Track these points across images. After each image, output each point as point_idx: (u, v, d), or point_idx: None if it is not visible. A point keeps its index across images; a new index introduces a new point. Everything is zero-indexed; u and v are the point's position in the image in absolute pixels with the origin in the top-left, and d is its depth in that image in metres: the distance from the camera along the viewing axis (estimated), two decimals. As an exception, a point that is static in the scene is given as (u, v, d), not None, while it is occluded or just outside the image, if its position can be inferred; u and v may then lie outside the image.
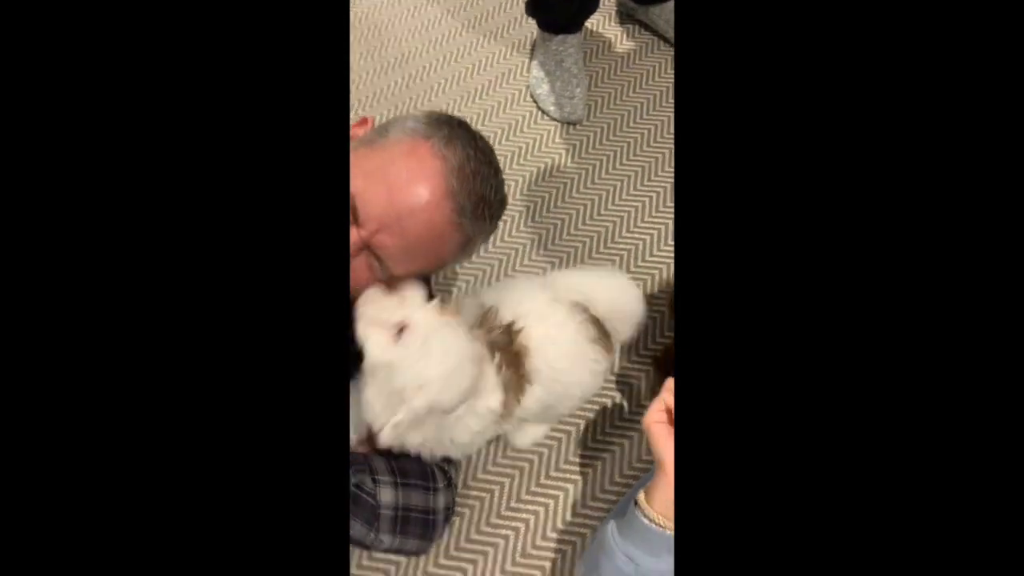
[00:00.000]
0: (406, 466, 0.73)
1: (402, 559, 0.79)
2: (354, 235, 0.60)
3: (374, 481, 0.71)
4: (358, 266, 0.62)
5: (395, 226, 0.59)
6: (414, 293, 0.65)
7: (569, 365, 0.74)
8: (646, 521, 0.58)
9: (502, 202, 0.69)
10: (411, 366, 0.61)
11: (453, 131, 0.63)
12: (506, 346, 0.70)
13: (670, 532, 0.58)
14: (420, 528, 0.73)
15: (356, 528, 0.68)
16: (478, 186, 0.63)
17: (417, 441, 0.68)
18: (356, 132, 0.69)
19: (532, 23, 1.20)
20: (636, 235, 1.01)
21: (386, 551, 0.74)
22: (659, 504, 0.58)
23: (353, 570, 0.79)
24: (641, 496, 0.60)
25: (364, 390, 0.64)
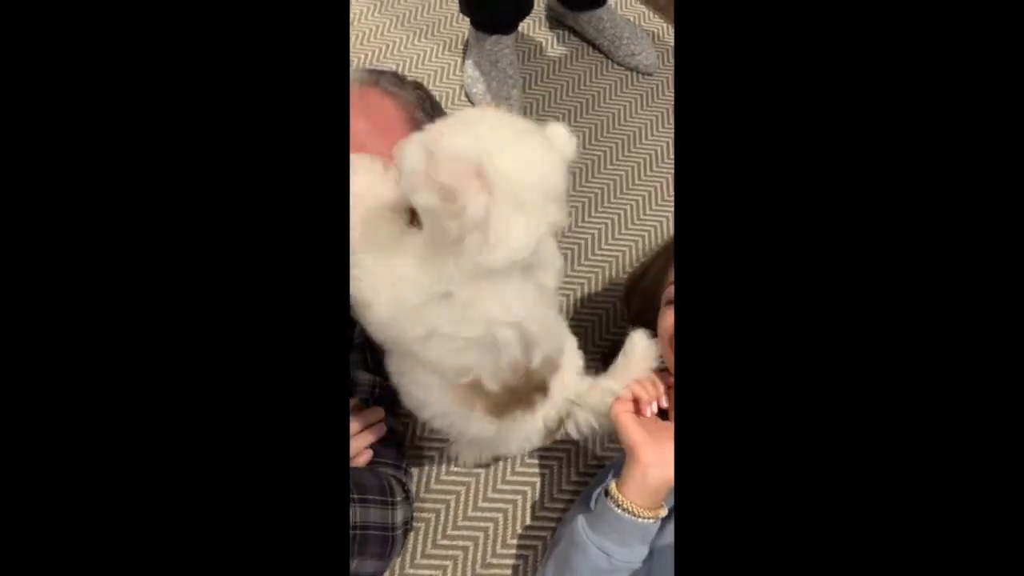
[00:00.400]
0: (363, 481, 0.68)
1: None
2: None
3: None
4: None
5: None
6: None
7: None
8: (619, 511, 0.57)
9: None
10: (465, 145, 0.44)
11: (392, 76, 0.70)
12: None
13: (642, 520, 0.57)
14: (378, 547, 0.68)
15: None
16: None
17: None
18: None
19: (462, 22, 1.19)
20: (581, 232, 1.02)
21: None
22: (632, 492, 0.58)
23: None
24: (612, 486, 0.59)
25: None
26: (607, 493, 0.59)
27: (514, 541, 0.78)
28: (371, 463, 0.71)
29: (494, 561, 0.76)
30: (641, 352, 0.64)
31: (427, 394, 0.58)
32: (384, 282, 0.51)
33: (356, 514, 0.66)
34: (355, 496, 0.67)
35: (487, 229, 0.44)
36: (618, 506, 0.58)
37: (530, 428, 0.63)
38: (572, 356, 0.66)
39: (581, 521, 0.62)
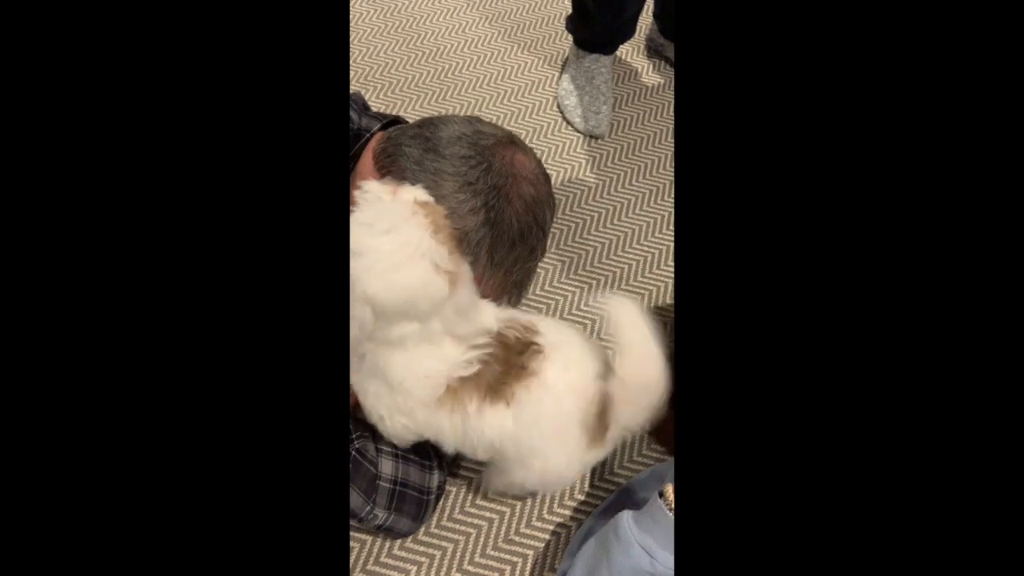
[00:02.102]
0: None
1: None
2: None
3: (377, 449, 0.69)
4: None
5: None
6: (411, 190, 0.60)
7: (548, 427, 0.62)
8: (671, 515, 0.56)
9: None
10: (356, 245, 0.54)
11: (476, 171, 0.68)
12: (515, 348, 0.62)
13: None
14: (414, 507, 0.71)
15: (353, 498, 0.66)
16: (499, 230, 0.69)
17: (362, 348, 0.59)
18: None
19: (566, 40, 1.26)
20: (640, 250, 1.04)
21: (376, 529, 0.71)
22: None
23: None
24: (668, 488, 0.58)
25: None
26: (661, 495, 0.58)
27: (537, 523, 0.79)
28: None
29: (516, 539, 0.78)
30: (627, 318, 0.63)
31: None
32: None
33: (398, 469, 0.70)
34: (398, 452, 0.70)
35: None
36: (672, 510, 0.56)
37: (552, 407, 0.62)
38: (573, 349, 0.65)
39: (628, 517, 0.61)
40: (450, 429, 0.63)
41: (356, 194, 0.57)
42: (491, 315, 0.63)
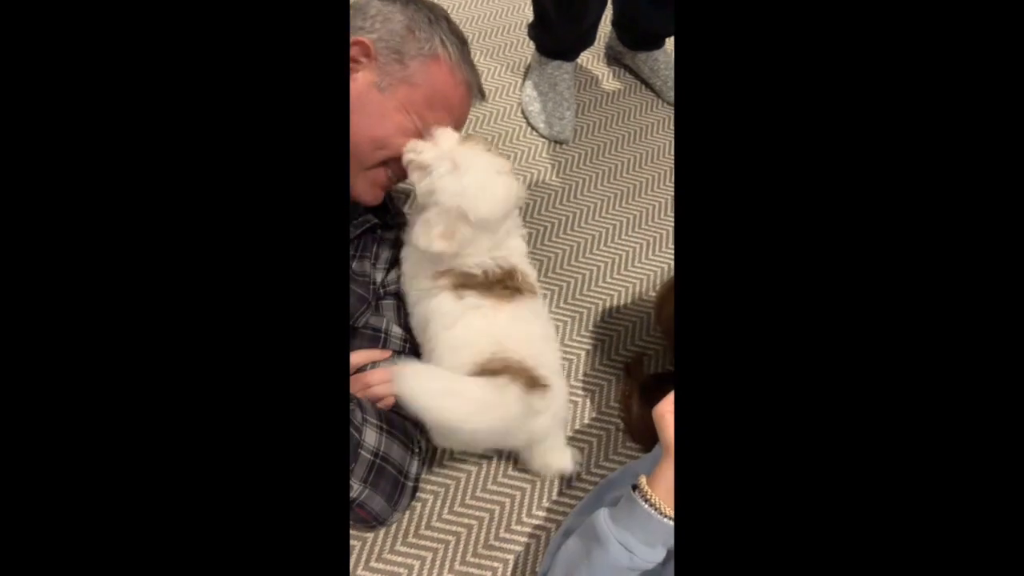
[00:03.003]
0: (391, 417, 0.70)
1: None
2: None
3: (363, 419, 0.68)
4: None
5: (452, 122, 0.78)
6: (445, 133, 0.74)
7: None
8: (647, 507, 0.56)
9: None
10: (447, 186, 0.70)
11: (446, 30, 0.78)
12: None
13: (669, 520, 0.56)
14: (390, 487, 0.69)
15: None
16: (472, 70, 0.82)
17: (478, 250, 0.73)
18: (359, 57, 0.74)
19: (528, 47, 1.27)
20: (607, 253, 1.06)
21: (350, 502, 0.68)
22: (663, 491, 0.56)
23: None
24: (643, 480, 0.58)
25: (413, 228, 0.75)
26: (636, 488, 0.58)
27: (519, 527, 0.79)
28: (393, 411, 0.73)
29: (496, 544, 0.77)
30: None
31: None
32: None
33: (381, 441, 0.68)
34: (382, 425, 0.68)
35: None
36: (647, 502, 0.56)
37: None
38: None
39: (605, 514, 0.60)
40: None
41: (410, 156, 0.73)
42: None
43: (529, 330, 0.74)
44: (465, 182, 0.70)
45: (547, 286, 1.00)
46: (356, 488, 0.66)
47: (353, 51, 0.72)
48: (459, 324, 0.72)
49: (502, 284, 0.74)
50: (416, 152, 0.73)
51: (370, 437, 0.68)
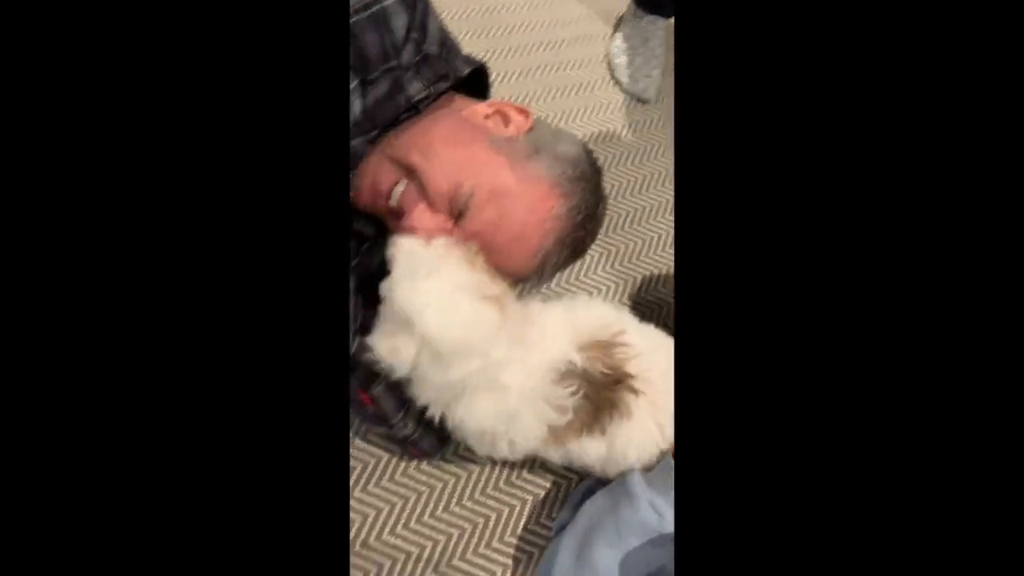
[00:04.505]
0: None
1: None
2: (446, 227, 0.62)
3: None
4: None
5: (489, 243, 0.62)
6: (439, 241, 0.60)
7: (636, 455, 0.65)
8: None
9: (585, 248, 0.72)
10: (404, 293, 0.56)
11: (589, 195, 0.66)
12: (605, 384, 0.62)
13: None
14: (441, 427, 0.70)
15: (389, 404, 0.66)
16: (568, 253, 0.67)
17: (423, 397, 0.62)
18: (514, 116, 0.66)
19: (623, -2, 1.22)
20: (670, 224, 1.03)
21: (402, 440, 0.71)
22: None
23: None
24: None
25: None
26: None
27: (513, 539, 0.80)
28: None
29: (506, 487, 0.79)
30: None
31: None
32: None
33: None
34: None
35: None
36: None
37: (642, 439, 0.64)
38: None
39: (637, 475, 0.62)
40: (555, 455, 0.68)
41: (390, 252, 0.59)
42: (565, 340, 0.63)
43: None
44: (421, 287, 0.56)
45: (605, 245, 0.99)
46: (411, 427, 0.68)
47: (516, 109, 0.67)
48: None
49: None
50: (395, 247, 0.59)
51: None
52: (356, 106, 0.61)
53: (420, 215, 0.62)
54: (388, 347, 0.57)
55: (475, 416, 0.62)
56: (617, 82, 1.15)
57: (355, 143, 0.63)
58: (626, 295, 0.95)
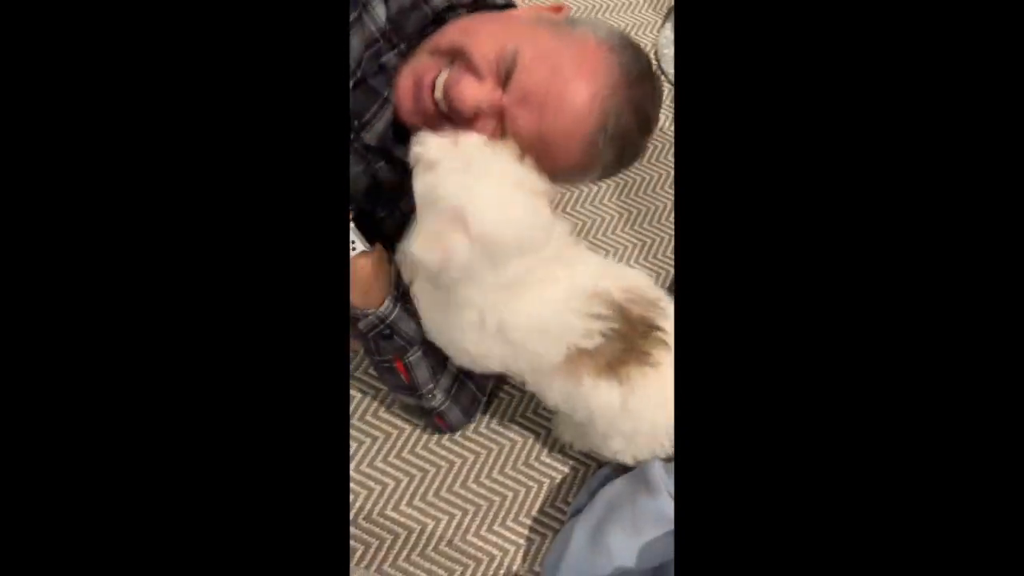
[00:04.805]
0: None
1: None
2: (496, 95, 0.58)
3: None
4: (483, 128, 0.60)
5: (539, 107, 0.58)
6: (469, 137, 0.57)
7: (652, 420, 0.61)
8: None
9: (636, 155, 0.67)
10: (451, 183, 0.53)
11: (638, 58, 0.62)
12: (638, 327, 0.59)
13: None
14: (467, 401, 0.72)
15: (423, 372, 0.66)
16: (630, 119, 0.61)
17: (475, 299, 0.57)
18: (546, 13, 0.66)
19: (676, -12, 1.20)
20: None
21: (428, 410, 0.72)
22: None
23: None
24: None
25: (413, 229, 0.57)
26: None
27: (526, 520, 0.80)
28: None
29: (536, 464, 0.79)
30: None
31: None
32: None
33: None
34: None
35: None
36: None
37: (662, 394, 0.59)
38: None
39: (659, 464, 0.62)
40: (558, 392, 0.63)
41: (417, 150, 0.56)
42: (608, 275, 0.61)
43: None
44: (474, 184, 0.54)
45: (638, 237, 0.98)
46: (440, 398, 0.69)
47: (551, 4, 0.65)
48: None
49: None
50: (423, 144, 0.56)
51: None
52: (380, 12, 0.60)
53: (467, 86, 0.57)
54: (436, 247, 0.54)
55: (521, 315, 0.58)
56: (664, 73, 1.13)
57: (386, 58, 0.61)
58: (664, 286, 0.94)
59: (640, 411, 0.60)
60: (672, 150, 1.07)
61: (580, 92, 0.57)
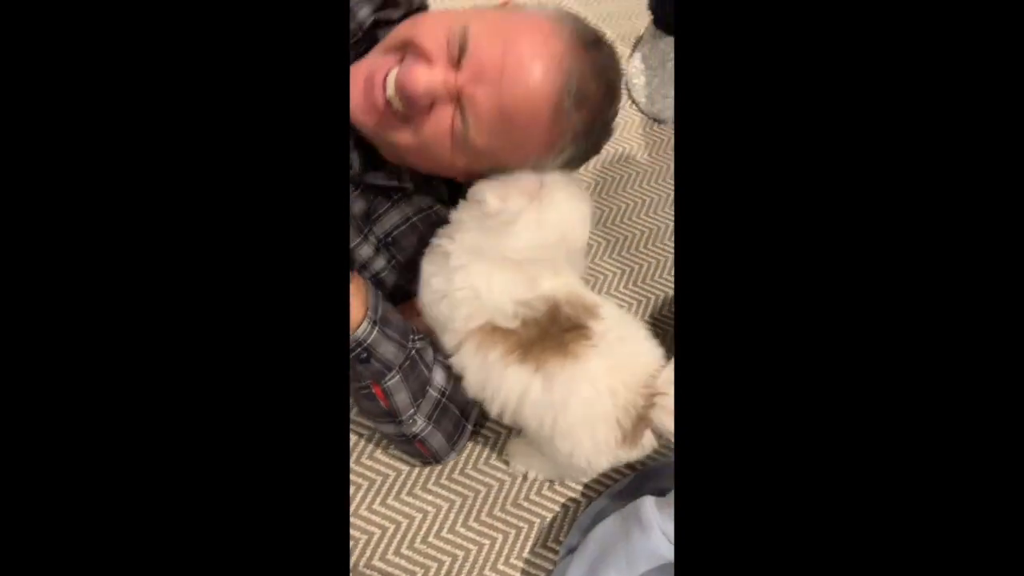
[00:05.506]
0: None
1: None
2: (450, 76, 0.57)
3: (434, 359, 0.68)
4: (442, 117, 0.58)
5: (497, 79, 0.56)
6: (528, 179, 0.61)
7: (578, 414, 0.60)
8: None
9: (606, 127, 0.66)
10: (530, 215, 0.59)
11: (589, 28, 0.62)
12: (562, 324, 0.62)
13: None
14: (451, 426, 0.69)
15: (402, 397, 0.64)
16: (593, 81, 0.59)
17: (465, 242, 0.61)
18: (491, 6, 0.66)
19: (642, 19, 1.23)
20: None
21: (411, 437, 0.69)
22: None
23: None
24: None
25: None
26: None
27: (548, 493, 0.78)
28: None
29: (524, 503, 0.77)
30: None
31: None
32: None
33: (449, 382, 0.68)
34: (452, 367, 0.67)
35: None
36: None
37: (589, 396, 0.59)
38: (626, 322, 0.65)
39: (650, 502, 0.60)
40: (473, 369, 0.63)
41: (497, 206, 0.59)
42: (554, 283, 0.62)
43: None
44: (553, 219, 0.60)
45: (618, 265, 0.98)
46: (420, 424, 0.66)
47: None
48: None
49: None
50: (500, 199, 0.59)
51: (439, 376, 0.68)
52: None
53: (418, 72, 0.56)
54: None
55: (475, 274, 0.62)
56: (634, 102, 1.15)
57: None
58: (646, 314, 0.94)
59: (566, 402, 0.59)
60: (648, 178, 1.08)
61: (538, 55, 0.56)
